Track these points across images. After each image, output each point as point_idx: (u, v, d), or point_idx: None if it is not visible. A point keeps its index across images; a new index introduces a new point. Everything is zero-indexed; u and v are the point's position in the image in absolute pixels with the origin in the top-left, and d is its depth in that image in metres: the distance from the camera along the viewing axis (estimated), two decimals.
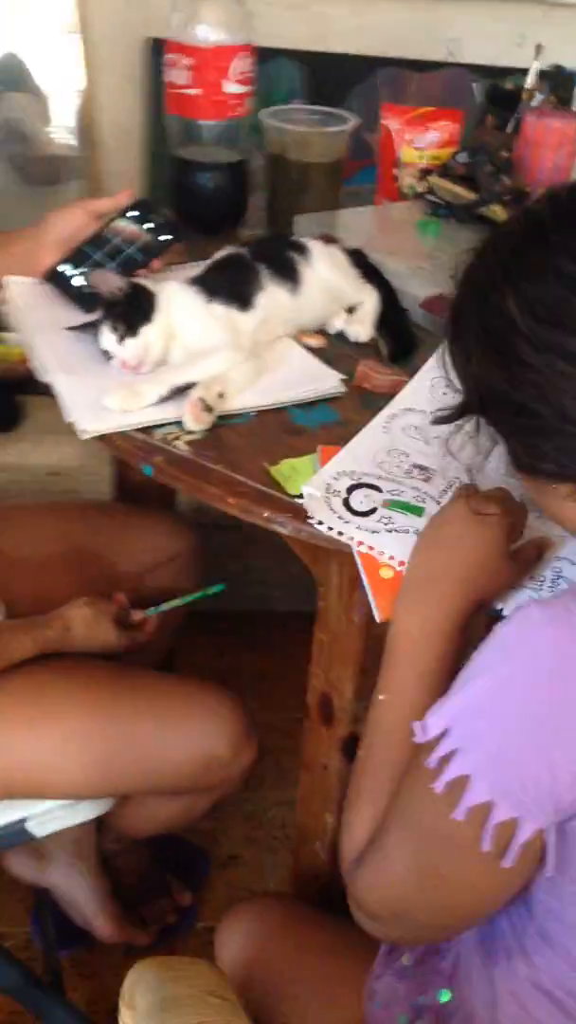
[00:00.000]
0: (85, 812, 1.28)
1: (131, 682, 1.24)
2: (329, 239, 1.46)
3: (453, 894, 0.79)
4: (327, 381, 1.23)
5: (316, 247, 1.34)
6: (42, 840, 1.28)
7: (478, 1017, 0.89)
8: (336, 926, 1.10)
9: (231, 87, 1.50)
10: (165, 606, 1.37)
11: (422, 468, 1.10)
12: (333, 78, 2.11)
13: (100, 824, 1.46)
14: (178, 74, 1.50)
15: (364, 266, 1.38)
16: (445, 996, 0.92)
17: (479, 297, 0.74)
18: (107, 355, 1.21)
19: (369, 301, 1.35)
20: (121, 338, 1.19)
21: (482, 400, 0.77)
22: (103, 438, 1.15)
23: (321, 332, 1.35)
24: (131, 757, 1.20)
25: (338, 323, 1.35)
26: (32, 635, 1.21)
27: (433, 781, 0.74)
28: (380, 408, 1.19)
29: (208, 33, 1.47)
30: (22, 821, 1.25)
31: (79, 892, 1.52)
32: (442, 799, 0.73)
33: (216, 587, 1.38)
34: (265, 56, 2.09)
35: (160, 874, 1.64)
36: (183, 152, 1.56)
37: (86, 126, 2.11)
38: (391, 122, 1.64)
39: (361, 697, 1.11)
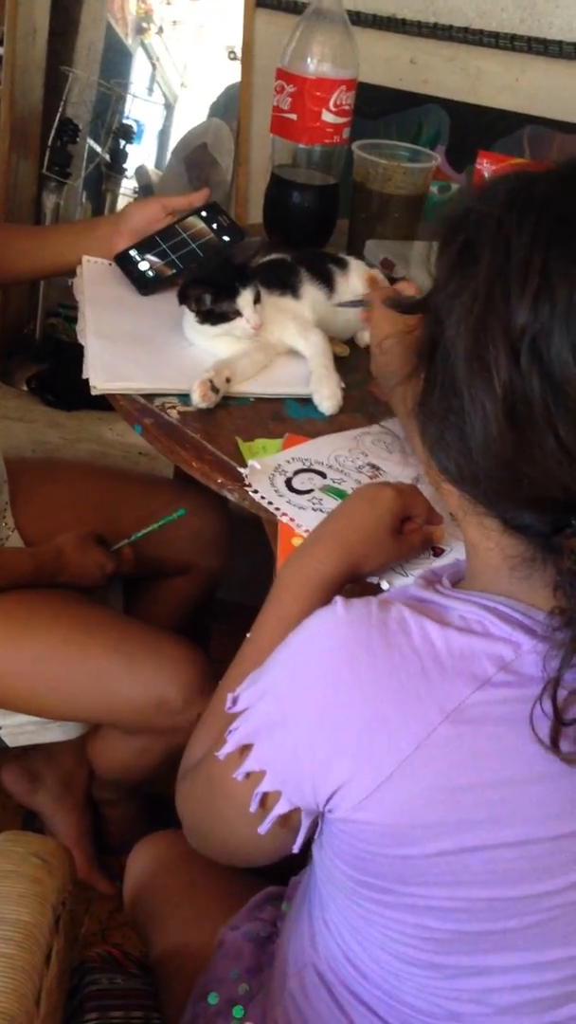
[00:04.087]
0: (53, 733, 1.41)
1: (105, 619, 1.36)
2: (388, 264, 1.56)
3: (227, 837, 0.87)
4: (325, 390, 1.31)
5: (356, 264, 1.44)
6: (11, 750, 1.42)
7: (273, 993, 0.96)
8: (229, 873, 1.17)
9: (329, 116, 1.62)
10: (135, 536, 1.48)
11: (374, 467, 1.18)
12: (479, 129, 2.20)
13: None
14: (283, 99, 1.64)
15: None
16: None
17: (503, 245, 0.68)
18: (226, 316, 1.31)
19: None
20: (255, 301, 1.31)
21: (433, 339, 0.73)
22: (112, 396, 1.29)
23: (348, 342, 1.45)
24: (92, 686, 1.32)
25: (366, 336, 1.43)
26: (33, 558, 1.36)
27: (227, 742, 0.82)
28: (376, 419, 1.28)
29: (314, 64, 1.60)
30: None
31: (60, 823, 1.64)
32: (230, 758, 0.81)
33: (179, 512, 1.47)
34: (419, 100, 2.22)
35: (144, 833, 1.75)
36: (280, 170, 1.69)
37: (240, 146, 2.29)
38: (485, 167, 1.72)
39: None
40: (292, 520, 1.08)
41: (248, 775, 0.80)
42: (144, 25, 2.35)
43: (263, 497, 1.10)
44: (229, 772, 0.81)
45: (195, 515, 1.58)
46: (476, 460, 0.71)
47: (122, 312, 1.43)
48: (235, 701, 0.84)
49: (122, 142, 2.43)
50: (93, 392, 1.28)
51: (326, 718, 0.74)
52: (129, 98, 2.40)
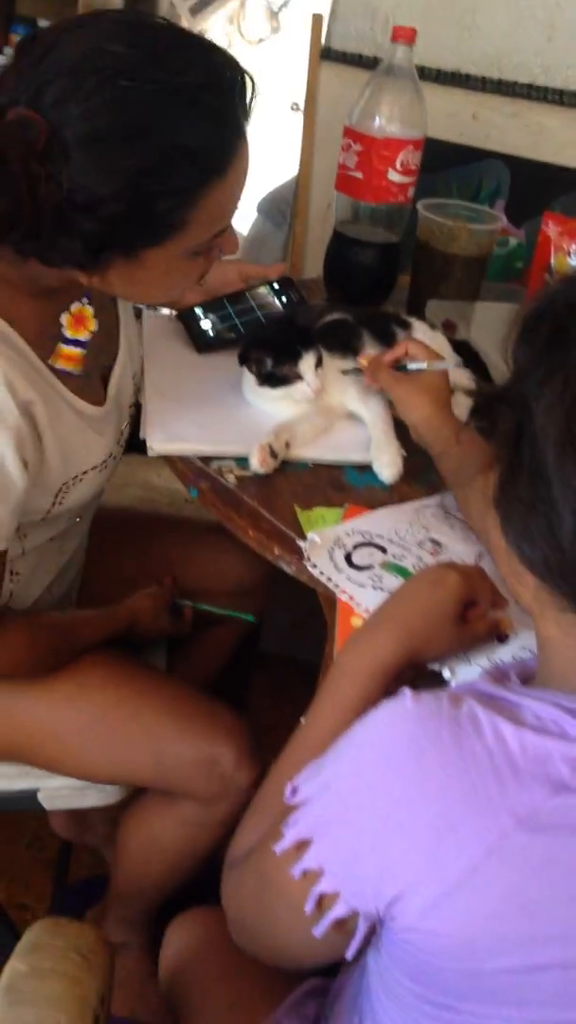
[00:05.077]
0: (92, 798, 1.38)
1: (156, 680, 1.32)
2: (450, 325, 1.53)
3: (276, 936, 0.83)
4: (384, 458, 1.28)
5: (419, 326, 1.42)
6: (47, 810, 1.39)
7: None
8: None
9: (395, 176, 1.61)
10: (206, 606, 1.46)
11: (436, 543, 1.14)
12: (540, 184, 2.18)
13: None
14: (349, 157, 1.62)
15: (468, 356, 1.44)
16: None
17: None
18: (287, 379, 1.30)
19: (461, 386, 1.40)
20: (317, 364, 1.30)
21: (519, 426, 0.72)
22: (167, 458, 1.27)
23: None
24: (144, 746, 1.27)
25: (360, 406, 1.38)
26: (110, 628, 1.33)
27: (284, 835, 0.78)
28: (436, 488, 1.24)
29: (382, 124, 1.58)
30: (35, 791, 1.36)
31: (110, 853, 1.60)
32: (286, 854, 0.77)
33: (248, 616, 1.45)
34: (480, 155, 2.20)
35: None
36: (342, 227, 1.67)
37: (298, 198, 2.28)
38: (551, 229, 1.69)
39: None
40: (352, 598, 1.05)
41: (305, 873, 0.76)
42: None
43: (322, 573, 1.07)
44: (284, 868, 0.77)
45: (237, 563, 1.54)
46: (566, 552, 0.69)
47: (181, 369, 1.41)
48: (295, 791, 0.80)
49: None
50: (150, 453, 1.26)
51: (391, 817, 0.70)
52: None
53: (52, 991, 0.82)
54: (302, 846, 0.76)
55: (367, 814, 0.72)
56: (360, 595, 1.05)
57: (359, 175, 1.61)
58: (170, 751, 1.27)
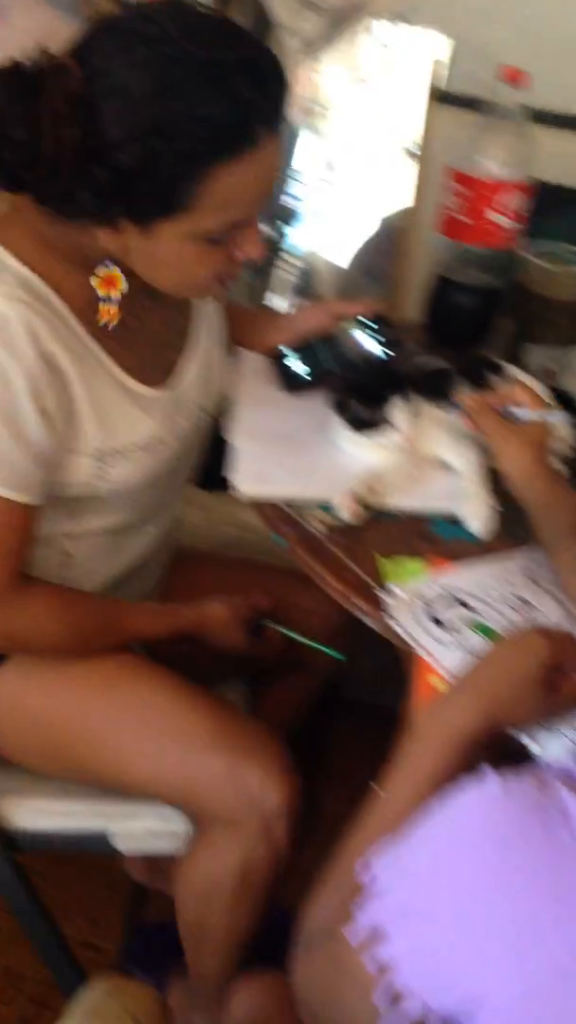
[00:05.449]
0: (164, 845, 1.36)
1: (191, 689, 1.29)
2: (550, 373, 1.49)
3: (344, 1022, 0.79)
4: (476, 510, 1.24)
5: (516, 372, 1.38)
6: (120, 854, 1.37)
7: None
8: None
9: (497, 219, 1.57)
10: (294, 634, 1.42)
11: (524, 601, 1.10)
12: None
13: None
14: (454, 200, 1.60)
15: (567, 405, 1.39)
16: None
17: None
18: (378, 426, 1.28)
19: (559, 433, 1.35)
20: (410, 412, 1.28)
21: None
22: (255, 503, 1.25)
23: None
24: (170, 751, 1.25)
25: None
26: (168, 623, 1.32)
27: (357, 920, 0.74)
28: (524, 540, 1.20)
29: (490, 167, 1.56)
30: (107, 834, 1.35)
31: None
32: (360, 942, 0.74)
33: (339, 655, 1.41)
34: None
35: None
36: (445, 270, 1.65)
37: (400, 239, 2.26)
38: None
39: None
40: (431, 655, 1.01)
41: (379, 966, 0.72)
42: (314, 107, 2.36)
43: (402, 627, 1.04)
44: (357, 956, 0.73)
45: (322, 605, 1.47)
46: None
47: (271, 410, 1.40)
48: (368, 871, 0.76)
49: (281, 223, 2.44)
50: (239, 496, 1.25)
51: (472, 913, 0.67)
52: (292, 180, 2.40)
53: None
54: (377, 936, 0.72)
55: (446, 909, 0.68)
56: (440, 653, 1.01)
57: (464, 219, 1.58)
58: (197, 761, 1.24)
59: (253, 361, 1.48)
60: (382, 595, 1.09)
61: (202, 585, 1.49)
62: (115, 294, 1.14)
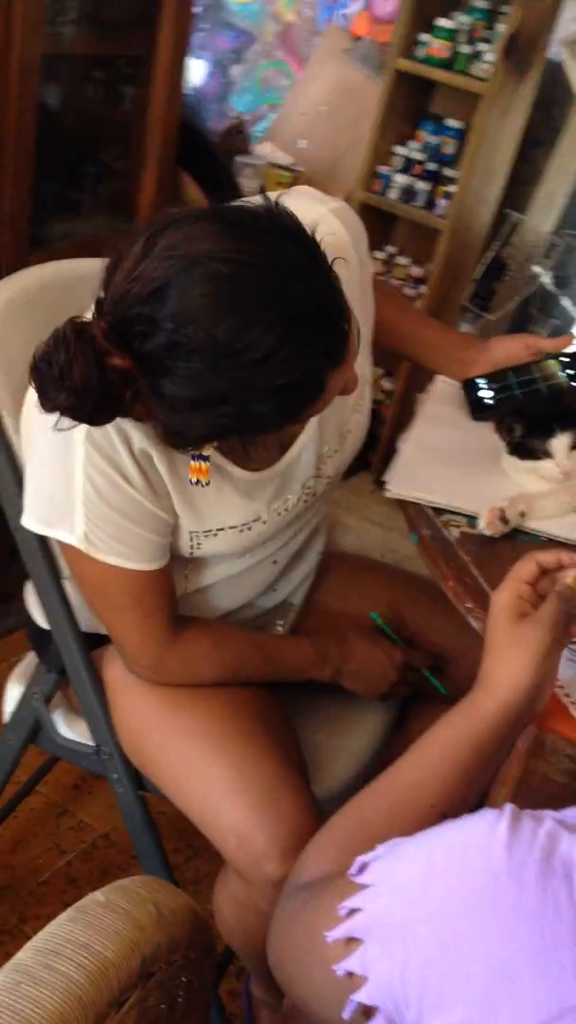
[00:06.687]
0: None
1: (253, 729, 1.28)
2: None
3: (309, 997, 0.79)
4: None
5: None
6: None
7: None
8: None
9: None
10: (433, 678, 1.42)
11: None
12: None
13: None
14: None
15: None
16: None
17: None
18: (535, 454, 1.29)
19: None
20: (573, 447, 1.28)
21: None
22: (400, 501, 1.30)
23: None
24: (197, 779, 1.26)
25: None
26: (314, 645, 1.35)
27: (336, 920, 0.73)
28: None
29: None
30: None
31: None
32: (336, 940, 0.73)
33: (443, 689, 1.40)
34: None
35: None
36: None
37: None
38: None
39: None
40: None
41: (349, 973, 0.70)
42: None
43: None
44: (331, 957, 0.72)
45: (448, 625, 1.43)
46: None
47: (451, 430, 1.44)
48: (362, 869, 0.75)
49: (552, 286, 2.46)
50: (386, 495, 1.30)
51: (450, 946, 0.64)
52: None
53: (113, 925, 0.85)
54: (353, 942, 0.71)
55: (426, 936, 0.66)
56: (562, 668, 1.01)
57: None
58: (216, 802, 1.24)
59: (449, 388, 1.53)
60: None
61: (342, 592, 1.53)
62: (207, 451, 1.10)
